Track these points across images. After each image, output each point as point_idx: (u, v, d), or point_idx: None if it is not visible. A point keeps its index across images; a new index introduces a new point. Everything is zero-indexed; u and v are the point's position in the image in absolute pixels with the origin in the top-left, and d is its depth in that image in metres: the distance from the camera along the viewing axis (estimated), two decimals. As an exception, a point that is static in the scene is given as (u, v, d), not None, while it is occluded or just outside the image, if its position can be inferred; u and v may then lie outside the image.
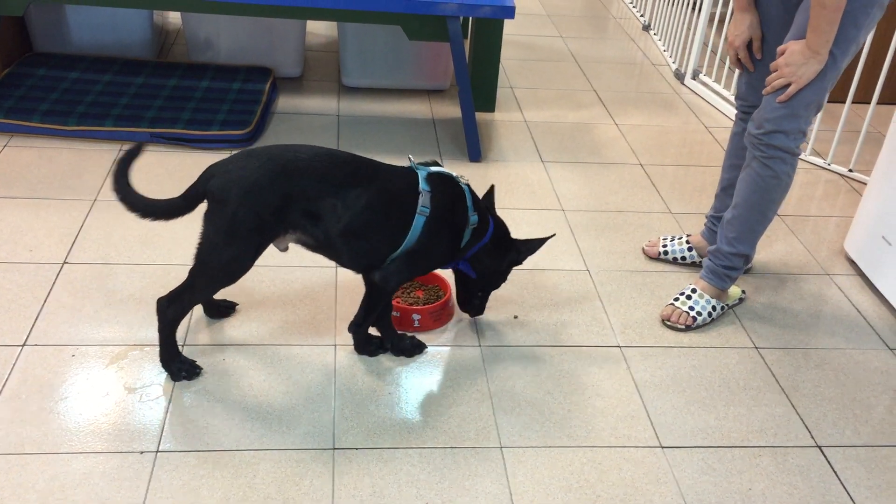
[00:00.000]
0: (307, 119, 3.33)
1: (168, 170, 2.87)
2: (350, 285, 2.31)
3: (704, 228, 2.57)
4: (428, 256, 1.99)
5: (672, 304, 2.34)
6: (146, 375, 1.98)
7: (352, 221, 1.86)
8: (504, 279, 2.19)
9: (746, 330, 2.32)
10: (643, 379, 2.11)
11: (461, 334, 2.22)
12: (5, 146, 2.92)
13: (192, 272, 1.89)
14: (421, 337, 2.17)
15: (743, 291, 2.44)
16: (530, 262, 2.31)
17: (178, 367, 1.97)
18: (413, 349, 2.12)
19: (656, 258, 2.60)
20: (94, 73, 3.38)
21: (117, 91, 3.26)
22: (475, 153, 3.10)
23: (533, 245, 2.16)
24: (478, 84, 3.45)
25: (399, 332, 2.13)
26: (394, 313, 2.16)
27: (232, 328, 2.16)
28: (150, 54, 3.66)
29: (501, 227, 2.13)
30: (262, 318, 2.20)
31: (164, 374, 1.98)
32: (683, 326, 2.29)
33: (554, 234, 2.25)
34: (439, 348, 2.16)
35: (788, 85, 2.05)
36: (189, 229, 2.53)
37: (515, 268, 2.19)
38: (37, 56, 3.49)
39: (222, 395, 1.95)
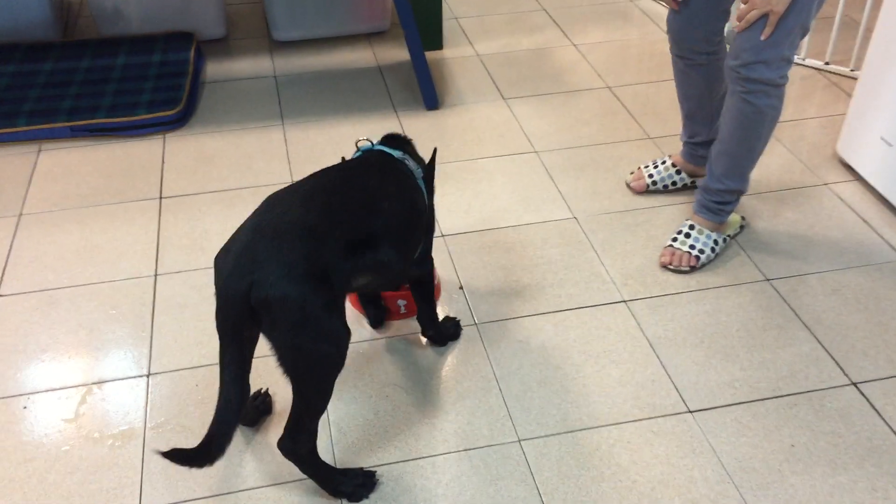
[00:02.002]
0: (242, 85, 3.03)
1: (97, 167, 2.57)
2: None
3: (684, 150, 2.38)
4: (432, 210, 1.82)
5: (671, 245, 2.15)
6: (112, 420, 1.75)
7: (400, 228, 1.62)
8: None
9: (754, 261, 2.16)
10: (656, 335, 1.94)
11: (452, 314, 2.01)
12: None
13: (297, 390, 1.50)
14: (409, 324, 1.97)
15: (742, 218, 2.27)
16: (513, 216, 2.09)
17: (350, 484, 1.59)
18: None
19: (645, 191, 2.41)
20: (-4, 65, 3.03)
21: (25, 83, 2.91)
22: (431, 100, 2.83)
23: None
24: (420, 20, 3.15)
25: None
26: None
27: (199, 345, 1.93)
28: (54, 34, 3.28)
29: None
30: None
31: (132, 415, 1.76)
32: (688, 268, 2.12)
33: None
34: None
35: (767, 16, 1.82)
36: (131, 235, 2.29)
37: (496, 227, 1.97)
38: (-73, 53, 3.12)
39: (200, 429, 1.73)
